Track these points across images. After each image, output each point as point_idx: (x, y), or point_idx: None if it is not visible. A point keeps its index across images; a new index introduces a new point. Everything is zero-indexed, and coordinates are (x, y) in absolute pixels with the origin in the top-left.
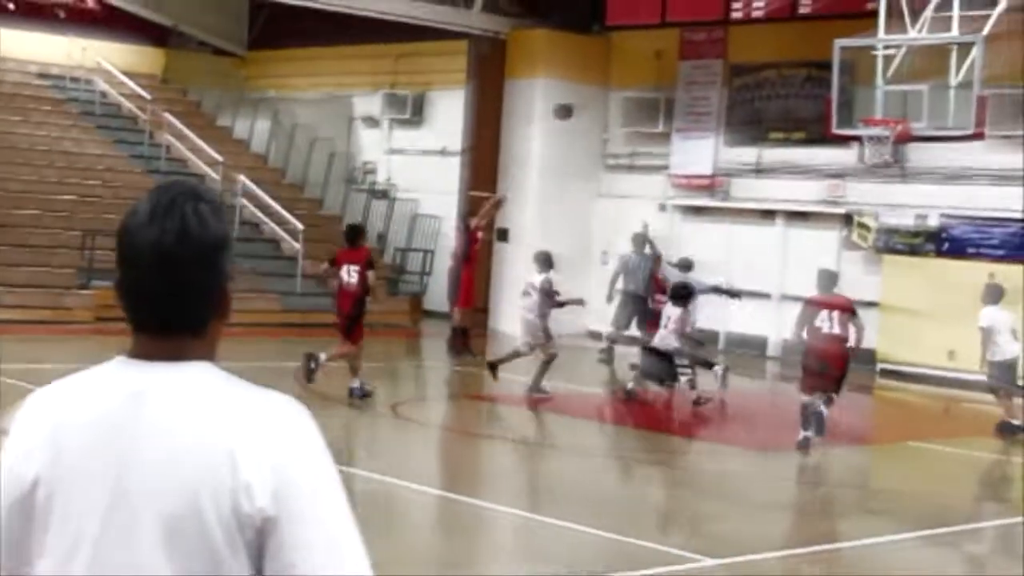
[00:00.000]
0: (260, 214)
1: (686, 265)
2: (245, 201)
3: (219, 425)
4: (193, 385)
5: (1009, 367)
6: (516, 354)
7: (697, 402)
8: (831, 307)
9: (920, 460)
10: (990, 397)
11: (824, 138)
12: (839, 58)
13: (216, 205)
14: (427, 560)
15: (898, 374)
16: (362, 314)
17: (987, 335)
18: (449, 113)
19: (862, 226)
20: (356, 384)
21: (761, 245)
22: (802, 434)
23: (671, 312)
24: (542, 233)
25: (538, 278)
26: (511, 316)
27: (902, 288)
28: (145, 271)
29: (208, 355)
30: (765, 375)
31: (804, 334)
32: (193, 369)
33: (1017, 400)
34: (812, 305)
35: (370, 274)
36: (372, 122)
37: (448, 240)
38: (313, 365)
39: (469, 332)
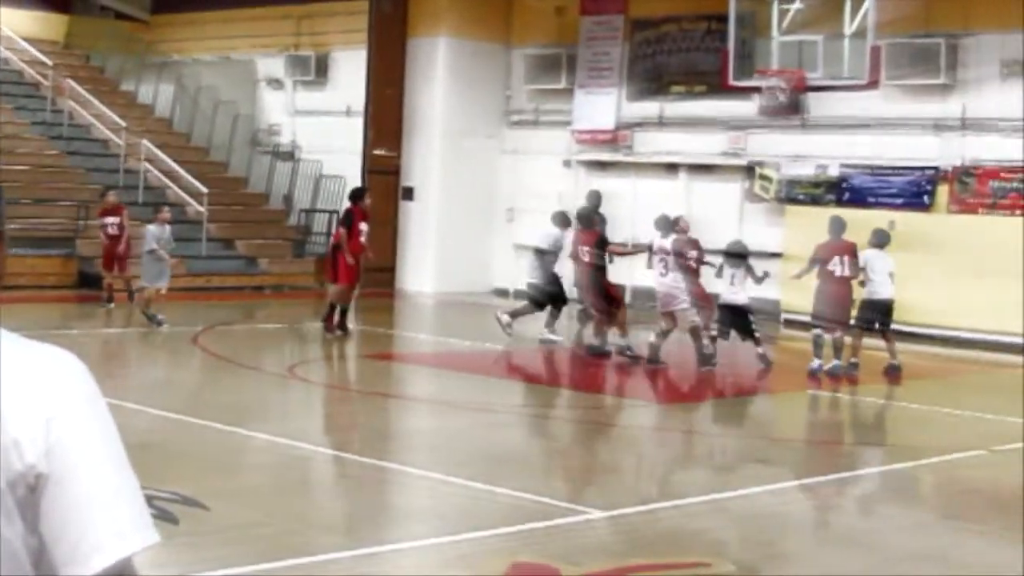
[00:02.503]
0: (165, 179)
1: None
2: (149, 166)
3: None
4: None
5: (879, 307)
6: (665, 333)
7: (763, 359)
8: (842, 252)
9: (819, 408)
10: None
11: (725, 90)
12: (736, 10)
13: None
14: (321, 521)
15: (801, 324)
16: (601, 285)
17: (864, 274)
18: (353, 73)
19: (764, 177)
20: (624, 342)
21: (665, 198)
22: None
23: (734, 270)
24: (447, 191)
25: (666, 241)
26: (417, 274)
27: (805, 239)
28: None
29: None
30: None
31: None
32: None
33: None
34: (824, 250)
35: (595, 252)
36: (276, 84)
37: None
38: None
39: (344, 309)
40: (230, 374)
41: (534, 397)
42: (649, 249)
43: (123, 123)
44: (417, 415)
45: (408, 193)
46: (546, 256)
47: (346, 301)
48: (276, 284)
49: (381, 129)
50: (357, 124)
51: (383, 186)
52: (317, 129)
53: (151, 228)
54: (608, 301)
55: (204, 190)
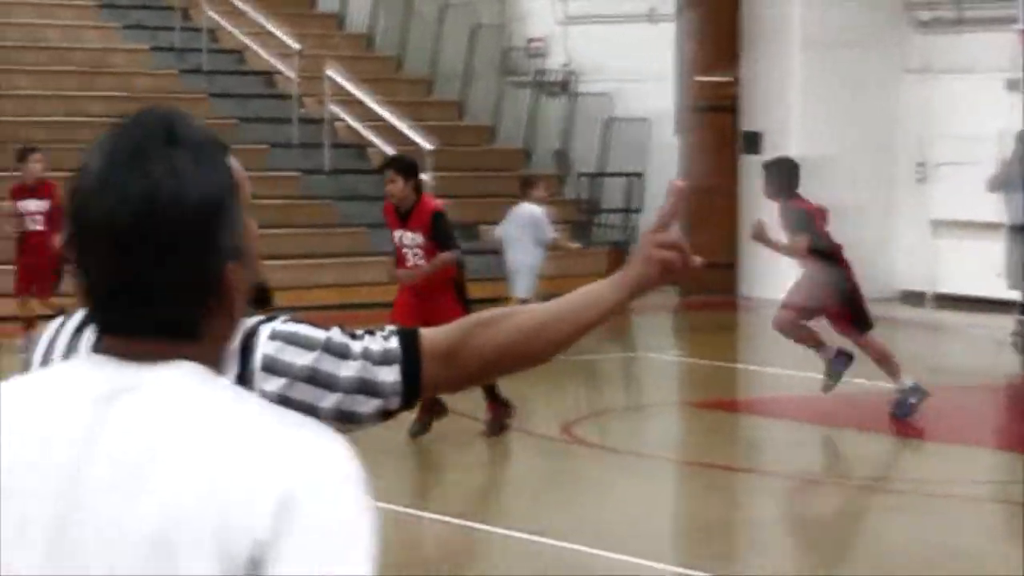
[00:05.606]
0: (363, 130)
1: None
2: (339, 111)
3: (214, 448)
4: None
5: None
6: None
7: None
8: None
9: None
10: None
11: None
12: None
13: (204, 147)
14: None
15: None
16: None
17: None
18: None
19: None
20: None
21: None
22: None
23: None
24: (814, 137)
25: None
26: (771, 272)
27: None
28: (100, 256)
29: (205, 359)
30: None
31: None
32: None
33: None
34: None
35: None
36: None
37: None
38: None
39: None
40: (466, 435)
41: (987, 466)
42: None
43: (295, 45)
44: (784, 499)
45: (752, 142)
46: None
47: None
48: (545, 291)
49: (707, 42)
50: (667, 34)
51: (713, 132)
52: (603, 45)
53: (535, 210)
54: None
55: (427, 147)
